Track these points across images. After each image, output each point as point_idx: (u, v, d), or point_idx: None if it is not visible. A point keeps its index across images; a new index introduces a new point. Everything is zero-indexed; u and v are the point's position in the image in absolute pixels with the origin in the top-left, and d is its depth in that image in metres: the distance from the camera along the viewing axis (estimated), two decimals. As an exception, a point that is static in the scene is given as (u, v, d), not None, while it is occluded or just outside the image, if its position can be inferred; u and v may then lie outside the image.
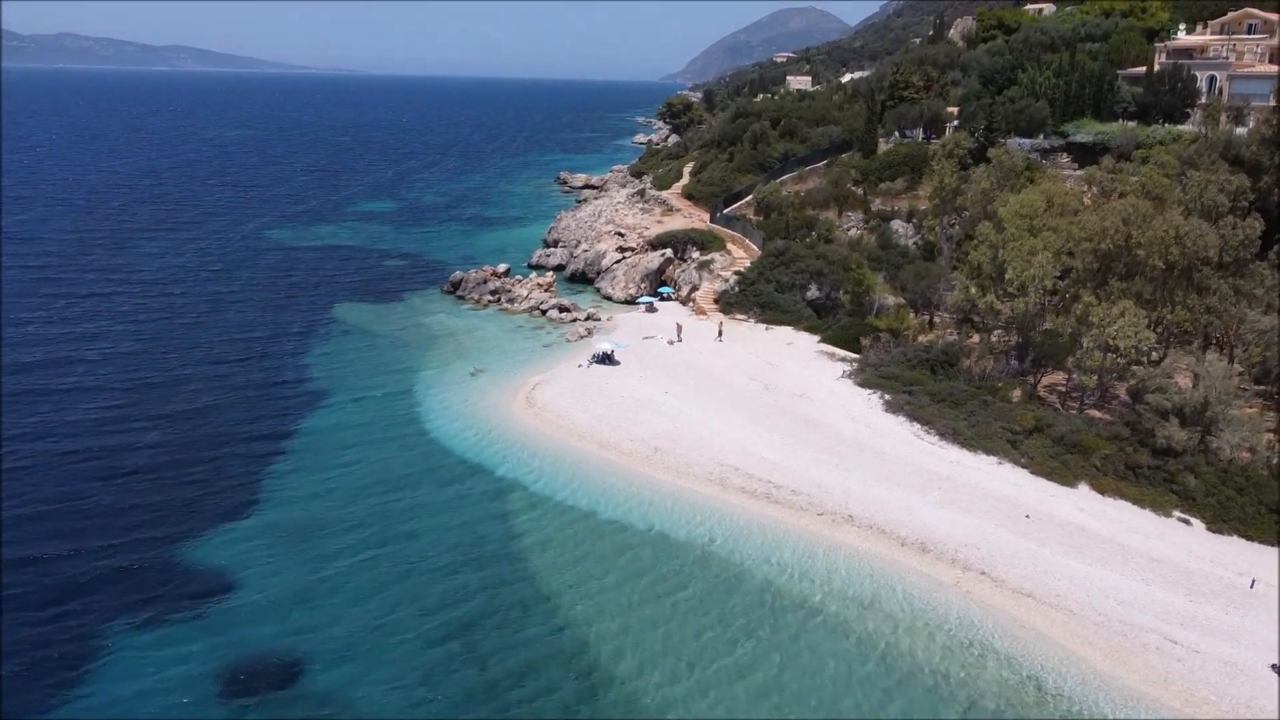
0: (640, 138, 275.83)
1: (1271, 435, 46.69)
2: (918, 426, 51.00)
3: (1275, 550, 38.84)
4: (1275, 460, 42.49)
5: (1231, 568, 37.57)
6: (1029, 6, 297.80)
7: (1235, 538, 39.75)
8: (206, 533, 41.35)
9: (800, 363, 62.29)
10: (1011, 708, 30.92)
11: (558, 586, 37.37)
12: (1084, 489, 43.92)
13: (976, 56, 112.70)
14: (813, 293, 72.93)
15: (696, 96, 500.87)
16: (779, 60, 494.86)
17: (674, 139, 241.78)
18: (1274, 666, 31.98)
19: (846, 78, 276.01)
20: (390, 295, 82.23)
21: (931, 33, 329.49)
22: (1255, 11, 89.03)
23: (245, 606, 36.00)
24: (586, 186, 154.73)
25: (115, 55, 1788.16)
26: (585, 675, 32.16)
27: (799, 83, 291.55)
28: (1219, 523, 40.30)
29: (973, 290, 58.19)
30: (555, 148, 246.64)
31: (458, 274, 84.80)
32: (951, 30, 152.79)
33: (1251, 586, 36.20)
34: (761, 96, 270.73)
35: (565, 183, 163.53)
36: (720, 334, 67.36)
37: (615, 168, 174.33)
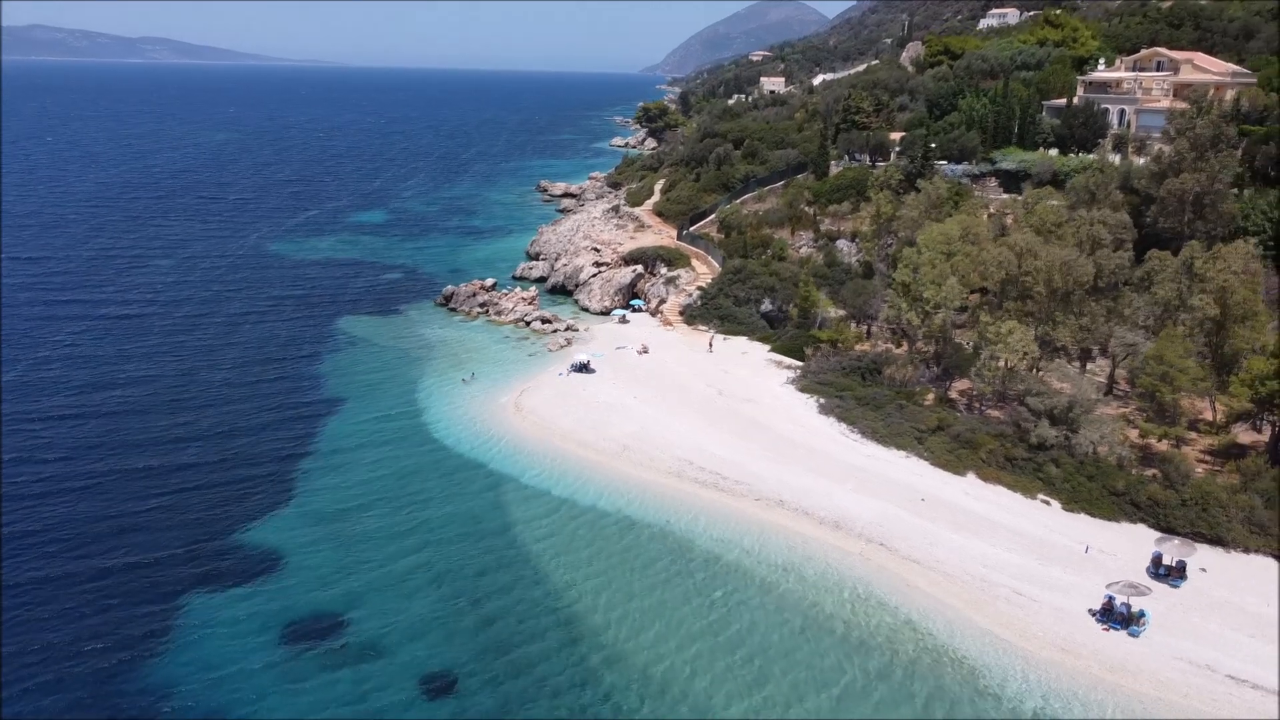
0: (618, 141, 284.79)
1: (1133, 433, 56.83)
2: (844, 426, 60.78)
3: (1113, 524, 48.83)
4: (1123, 453, 52.47)
5: (1076, 538, 47.51)
6: (993, 11, 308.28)
7: (1083, 515, 49.71)
8: (253, 521, 50.42)
9: (752, 370, 71.91)
10: (890, 643, 40.64)
11: (542, 557, 46.86)
12: (971, 477, 53.84)
13: (923, 82, 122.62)
14: (766, 306, 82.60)
15: (674, 93, 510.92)
16: (755, 59, 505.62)
17: (650, 142, 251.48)
18: (1093, 611, 41.85)
19: (819, 79, 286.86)
20: (389, 308, 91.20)
21: (904, 33, 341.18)
22: (1163, 50, 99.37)
23: (293, 576, 45.20)
24: (566, 195, 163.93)
25: (90, 48, 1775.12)
26: (566, 621, 41.73)
27: (772, 84, 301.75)
28: (1072, 504, 50.26)
29: (903, 305, 67.79)
30: (534, 152, 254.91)
31: (449, 288, 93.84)
32: (903, 54, 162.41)
33: (1086, 552, 46.12)
34: (736, 99, 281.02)
35: (545, 190, 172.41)
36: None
37: (593, 175, 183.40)
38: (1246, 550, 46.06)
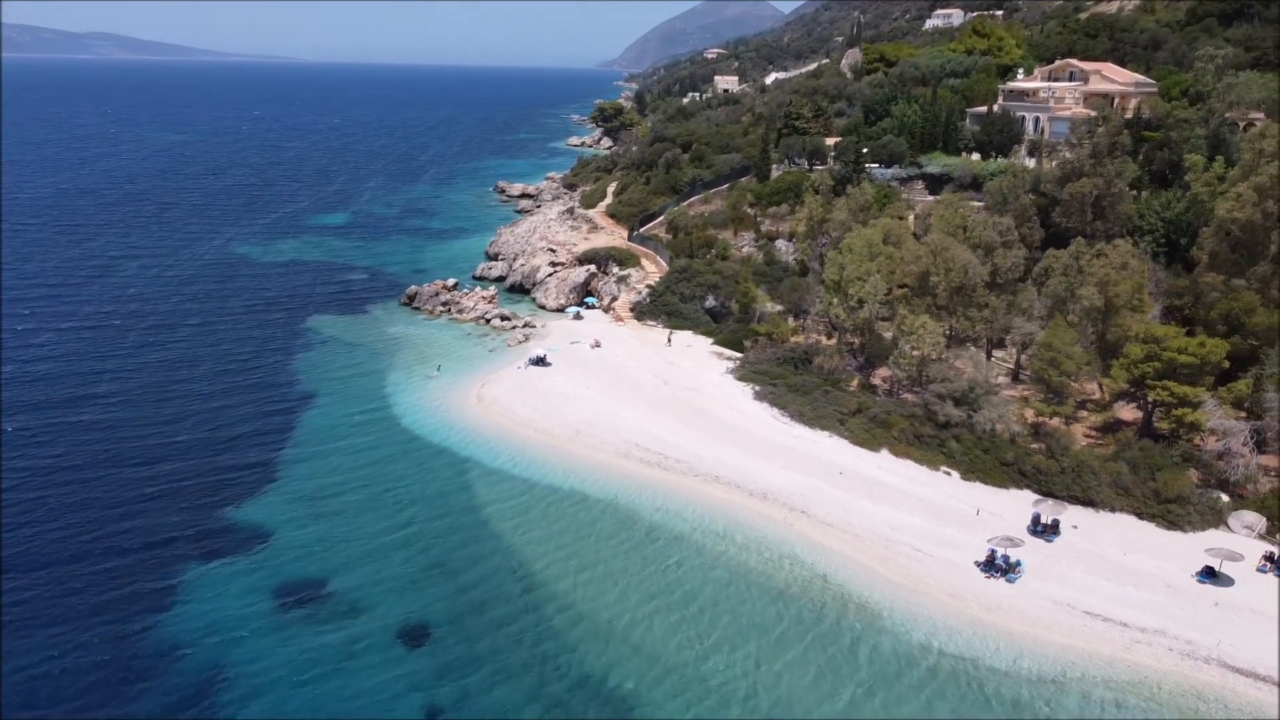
0: (574, 140, 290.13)
1: (1030, 412, 64.04)
2: (776, 411, 67.44)
3: (1003, 491, 55.99)
4: (1016, 429, 59.69)
5: (970, 503, 54.58)
6: (938, 12, 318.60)
7: (979, 483, 56.86)
8: (242, 501, 55.85)
9: (695, 362, 78.36)
10: (806, 593, 47.25)
11: (504, 528, 52.92)
12: (885, 453, 60.76)
13: (860, 88, 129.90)
14: (710, 302, 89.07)
15: (631, 89, 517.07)
16: (710, 57, 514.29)
17: (606, 142, 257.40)
18: (978, 563, 48.80)
19: (771, 78, 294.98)
20: (356, 308, 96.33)
21: (854, 31, 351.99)
22: (1074, 62, 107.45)
23: (282, 549, 50.75)
24: (523, 195, 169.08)
25: (34, 43, 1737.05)
26: (524, 582, 47.85)
27: (726, 82, 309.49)
28: (969, 473, 57.41)
29: (832, 301, 74.49)
30: (492, 152, 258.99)
31: (413, 288, 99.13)
32: (843, 61, 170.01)
33: (977, 514, 53.17)
34: (690, 98, 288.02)
35: (503, 191, 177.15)
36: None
37: (550, 175, 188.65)
38: (1113, 510, 53.45)
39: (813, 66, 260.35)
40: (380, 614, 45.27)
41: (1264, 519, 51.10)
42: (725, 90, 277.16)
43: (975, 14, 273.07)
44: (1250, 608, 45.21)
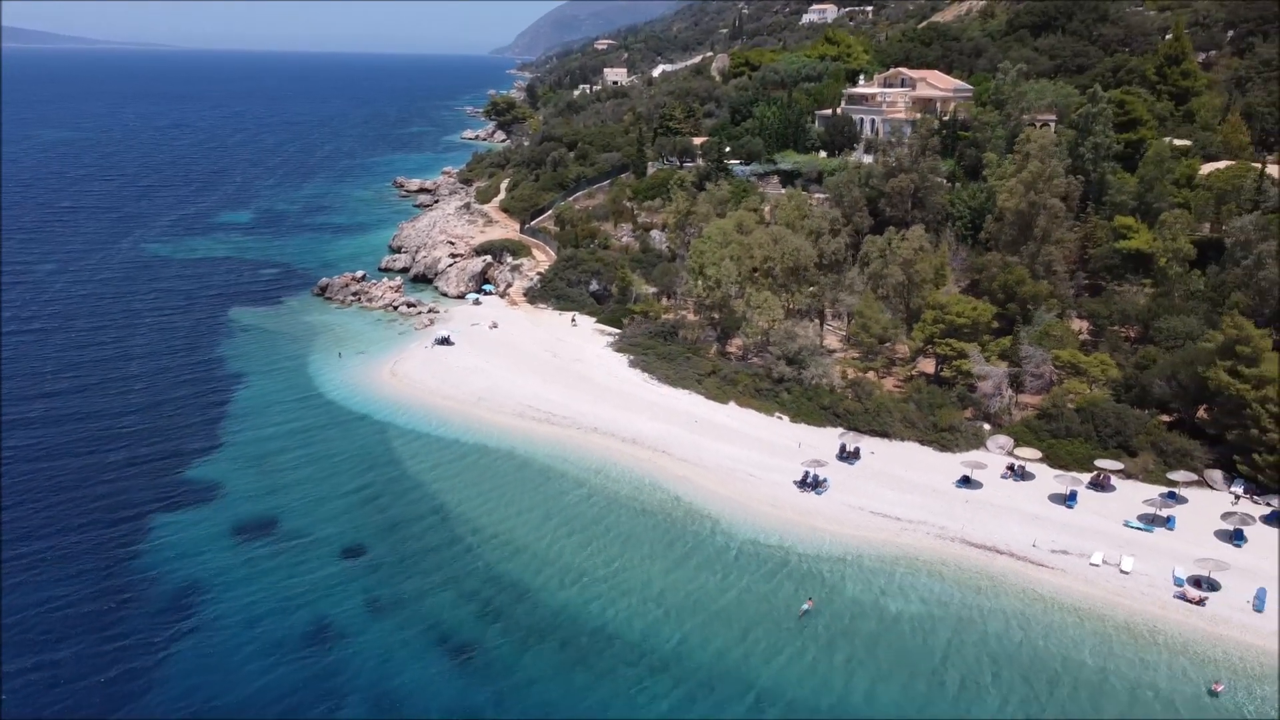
0: (469, 133, 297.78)
1: (851, 369, 78.71)
2: (646, 375, 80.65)
3: (821, 429, 70.50)
4: (836, 382, 74.27)
5: (794, 439, 68.79)
6: (814, 7, 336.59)
7: (803, 424, 71.24)
8: (193, 463, 65.98)
9: (581, 338, 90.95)
10: (664, 510, 60.47)
11: (422, 473, 64.59)
12: (732, 405, 74.63)
13: (727, 91, 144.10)
14: (593, 286, 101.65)
15: (524, 78, 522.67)
16: (600, 48, 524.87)
17: (499, 135, 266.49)
18: (795, 481, 62.86)
19: (659, 70, 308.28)
20: (271, 300, 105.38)
21: (737, 24, 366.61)
22: (904, 70, 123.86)
23: (232, 497, 61.33)
24: (421, 190, 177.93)
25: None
26: (440, 512, 59.77)
27: (616, 74, 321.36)
28: (796, 417, 71.72)
29: (696, 283, 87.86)
30: (387, 148, 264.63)
31: (324, 280, 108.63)
32: (713, 65, 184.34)
33: (799, 447, 67.38)
34: (581, 90, 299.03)
35: (402, 186, 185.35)
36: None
37: (446, 169, 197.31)
38: (902, 439, 68.49)
39: (698, 59, 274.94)
40: (324, 539, 56.53)
41: (1012, 440, 66.78)
42: (615, 83, 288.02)
43: (847, 9, 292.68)
44: (991, 504, 60.51)
